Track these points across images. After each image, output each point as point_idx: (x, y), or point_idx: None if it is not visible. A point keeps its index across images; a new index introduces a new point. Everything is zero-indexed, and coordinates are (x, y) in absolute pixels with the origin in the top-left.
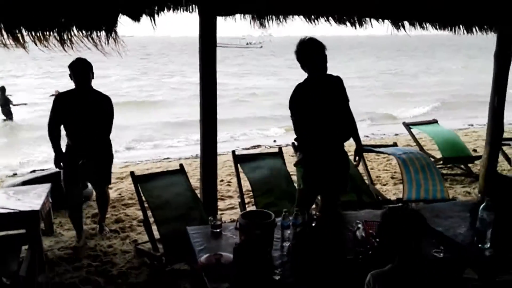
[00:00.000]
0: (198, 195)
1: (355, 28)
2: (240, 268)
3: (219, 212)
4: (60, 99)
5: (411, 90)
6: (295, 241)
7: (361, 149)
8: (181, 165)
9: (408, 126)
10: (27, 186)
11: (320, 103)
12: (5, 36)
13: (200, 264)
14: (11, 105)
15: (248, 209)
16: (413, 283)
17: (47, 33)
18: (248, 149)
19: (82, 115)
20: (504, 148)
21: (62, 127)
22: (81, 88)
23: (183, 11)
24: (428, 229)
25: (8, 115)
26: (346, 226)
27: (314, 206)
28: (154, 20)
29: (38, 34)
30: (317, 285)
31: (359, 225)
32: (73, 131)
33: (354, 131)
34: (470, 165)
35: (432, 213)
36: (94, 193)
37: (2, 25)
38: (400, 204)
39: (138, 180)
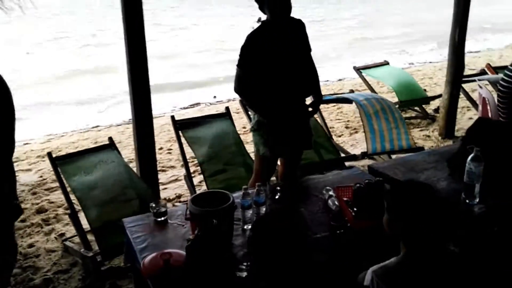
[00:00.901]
0: (134, 169)
1: None
2: (196, 270)
3: (161, 187)
4: None
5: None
6: (253, 232)
7: (320, 102)
8: (110, 138)
9: (359, 70)
10: None
11: (280, 53)
12: None
13: (144, 269)
14: None
15: (195, 179)
16: (435, 285)
17: None
18: (186, 108)
19: None
20: (465, 85)
21: None
22: None
23: None
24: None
25: None
26: (314, 194)
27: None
28: None
29: None
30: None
31: (330, 192)
32: None
33: (316, 83)
34: (424, 106)
35: (406, 167)
36: None
37: None
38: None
39: (58, 161)
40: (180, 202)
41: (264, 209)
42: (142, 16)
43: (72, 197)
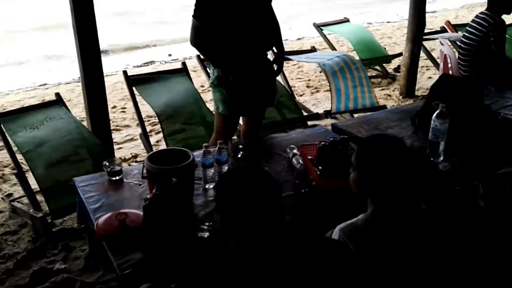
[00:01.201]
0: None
1: None
2: (155, 231)
3: (115, 147)
4: None
5: None
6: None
7: (283, 57)
8: (57, 94)
9: (319, 27)
10: None
11: (239, 3)
12: None
13: (98, 229)
14: None
15: (152, 139)
16: (403, 241)
17: None
18: (140, 66)
19: None
20: (425, 43)
21: None
22: None
23: None
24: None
25: None
26: (278, 153)
27: None
28: None
29: None
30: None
31: (294, 151)
32: None
33: (278, 36)
34: (385, 65)
35: (370, 125)
36: None
37: None
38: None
39: (1, 118)
40: (136, 162)
41: (226, 167)
42: None
43: (20, 156)
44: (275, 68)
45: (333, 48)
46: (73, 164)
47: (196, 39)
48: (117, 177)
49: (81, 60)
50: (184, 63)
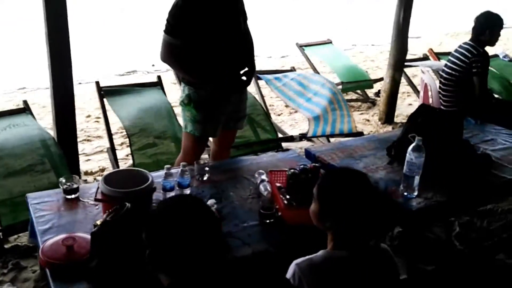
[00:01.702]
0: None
1: None
2: (103, 261)
3: (83, 158)
4: None
5: None
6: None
7: (253, 73)
8: (24, 102)
9: (301, 47)
10: None
11: (214, 20)
12: None
13: (42, 255)
14: None
15: (123, 152)
16: (359, 281)
17: None
18: (123, 75)
19: None
20: (406, 70)
21: None
22: None
23: None
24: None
25: None
26: (246, 177)
27: None
28: None
29: None
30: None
31: (263, 176)
32: None
33: (251, 54)
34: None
35: (344, 152)
36: None
37: None
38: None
39: None
40: (101, 176)
41: (188, 191)
42: None
43: None
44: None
45: (315, 70)
46: (31, 177)
47: (167, 55)
48: (73, 196)
49: (51, 64)
50: (159, 77)
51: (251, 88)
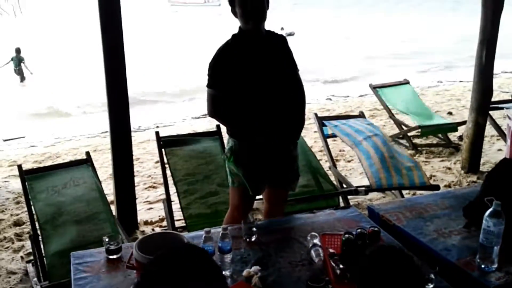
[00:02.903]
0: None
1: None
2: None
3: (146, 206)
4: None
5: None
6: None
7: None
8: (87, 153)
9: (375, 89)
10: None
11: (254, 70)
12: None
13: None
14: (23, 65)
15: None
16: None
17: None
18: (198, 118)
19: None
20: (492, 113)
21: None
22: None
23: None
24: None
25: (21, 75)
26: (298, 240)
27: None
28: None
29: None
30: None
31: (315, 240)
32: None
33: (300, 107)
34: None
35: (412, 211)
36: None
37: None
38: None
39: (27, 176)
40: (161, 227)
41: (229, 257)
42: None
43: None
44: (290, 135)
45: (390, 112)
46: (84, 237)
47: (214, 109)
48: (115, 256)
49: (110, 113)
50: (218, 126)
51: (313, 134)
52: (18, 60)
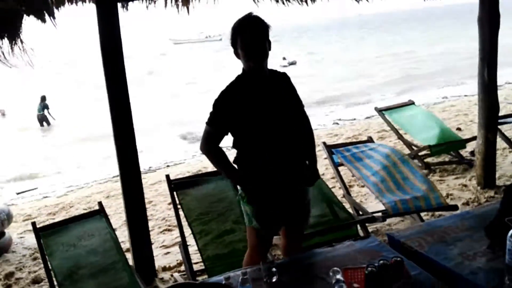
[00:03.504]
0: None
1: None
2: None
3: (162, 251)
4: None
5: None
6: None
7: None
8: (100, 203)
9: (381, 111)
10: None
11: (259, 110)
12: None
13: None
14: (47, 112)
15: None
16: None
17: None
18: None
19: None
20: (502, 127)
21: None
22: None
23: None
24: None
25: (43, 121)
26: (320, 276)
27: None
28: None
29: None
30: None
31: (338, 276)
32: None
33: (310, 147)
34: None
35: (434, 235)
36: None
37: None
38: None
39: (42, 232)
40: (179, 272)
41: None
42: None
43: None
44: (307, 179)
45: (397, 133)
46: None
47: (207, 146)
48: None
49: (118, 154)
50: None
51: (324, 160)
52: (42, 107)
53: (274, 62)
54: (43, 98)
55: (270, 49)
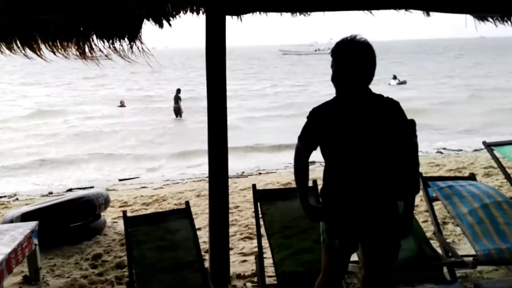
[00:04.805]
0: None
1: None
2: None
3: (240, 258)
4: None
5: None
6: None
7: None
8: (187, 203)
9: (489, 146)
10: (12, 224)
11: (352, 135)
12: (19, 44)
13: None
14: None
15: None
16: None
17: (66, 43)
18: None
19: None
20: None
21: None
22: None
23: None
24: None
25: (178, 113)
26: None
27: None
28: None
29: (56, 43)
30: None
31: None
32: None
33: (407, 184)
34: None
35: None
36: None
37: (16, 34)
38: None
39: (130, 222)
40: (252, 282)
41: None
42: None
43: None
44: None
45: (506, 173)
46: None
47: (295, 160)
48: None
49: (209, 156)
50: (314, 182)
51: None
52: (176, 99)
53: (383, 78)
54: (178, 91)
55: (373, 75)
